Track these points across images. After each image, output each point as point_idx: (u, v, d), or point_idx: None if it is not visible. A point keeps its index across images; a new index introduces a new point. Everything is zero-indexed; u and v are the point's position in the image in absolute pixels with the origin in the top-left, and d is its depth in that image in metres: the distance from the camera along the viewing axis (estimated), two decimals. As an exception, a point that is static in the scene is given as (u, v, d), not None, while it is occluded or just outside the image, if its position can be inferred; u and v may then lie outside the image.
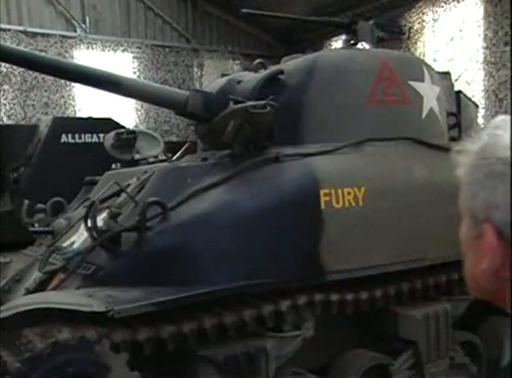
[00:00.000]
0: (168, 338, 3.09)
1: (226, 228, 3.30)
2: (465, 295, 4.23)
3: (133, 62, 14.76)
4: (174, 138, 13.95)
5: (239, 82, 4.28)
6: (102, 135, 7.23)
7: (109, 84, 3.85)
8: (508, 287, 0.87)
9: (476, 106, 6.02)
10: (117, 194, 3.83)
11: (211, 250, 3.27)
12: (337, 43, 13.62)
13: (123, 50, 14.66)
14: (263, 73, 4.25)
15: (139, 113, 14.57)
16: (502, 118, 0.94)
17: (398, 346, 4.03)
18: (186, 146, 6.30)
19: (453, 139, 4.85)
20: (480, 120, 8.00)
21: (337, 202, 3.54)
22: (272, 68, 4.31)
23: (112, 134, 5.22)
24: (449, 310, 4.10)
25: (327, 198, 3.51)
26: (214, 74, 14.89)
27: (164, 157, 5.46)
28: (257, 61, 4.57)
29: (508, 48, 8.52)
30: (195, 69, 15.45)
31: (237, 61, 16.08)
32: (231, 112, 3.41)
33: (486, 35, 9.42)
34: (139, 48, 14.80)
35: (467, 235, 0.95)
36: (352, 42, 4.70)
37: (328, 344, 3.93)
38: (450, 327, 4.11)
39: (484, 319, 4.52)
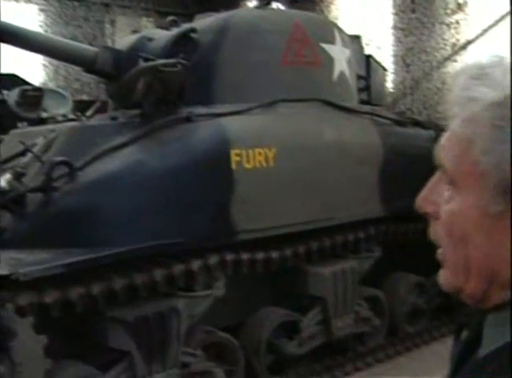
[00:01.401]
0: (76, 300, 3.04)
1: (136, 188, 3.26)
2: (370, 253, 4.41)
3: (39, 15, 14.04)
4: (85, 97, 13.48)
5: (150, 39, 4.18)
6: (5, 92, 6.88)
7: (9, 36, 3.65)
8: None
9: (385, 70, 6.17)
10: (22, 153, 3.68)
11: (121, 210, 3.22)
12: (251, 3, 13.53)
13: (26, 1, 13.90)
14: (175, 31, 4.17)
15: (48, 70, 13.95)
16: None
17: (307, 302, 4.16)
18: (96, 105, 6.12)
19: (363, 102, 4.97)
20: (389, 85, 8.21)
21: (248, 162, 3.56)
22: (185, 26, 4.23)
23: (16, 90, 4.98)
24: (356, 268, 4.26)
25: (238, 159, 3.52)
26: (127, 31, 14.44)
27: (73, 116, 5.28)
28: (170, 18, 4.46)
29: (414, 15, 8.74)
30: (107, 26, 14.90)
31: (150, 19, 15.63)
32: (141, 69, 3.33)
33: (395, 2, 9.63)
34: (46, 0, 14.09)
35: (477, 212, 0.68)
36: (266, 2, 4.67)
37: (239, 303, 4.00)
38: (357, 283, 4.27)
39: (387, 275, 4.72)
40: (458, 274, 0.72)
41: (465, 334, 0.80)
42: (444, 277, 0.75)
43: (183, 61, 3.48)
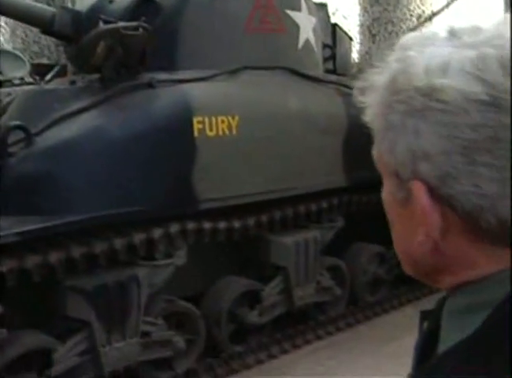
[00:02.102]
0: (33, 268, 2.97)
1: (95, 155, 3.18)
2: (333, 223, 4.42)
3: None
4: (45, 61, 13.11)
5: (111, 1, 4.04)
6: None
7: None
8: (451, 261, 0.64)
9: (351, 40, 6.13)
10: (-24, 117, 3.55)
11: (79, 177, 3.15)
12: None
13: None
14: (137, -7, 4.04)
15: (4, 31, 13.50)
16: (413, 35, 0.67)
17: (269, 272, 4.16)
18: (56, 69, 5.94)
19: (328, 71, 4.93)
20: (355, 55, 8.18)
21: (211, 130, 3.51)
22: (147, -11, 4.10)
23: (-31, 52, 4.79)
24: (318, 237, 4.26)
25: (200, 126, 3.47)
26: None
27: (31, 80, 5.11)
28: (132, -20, 4.31)
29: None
30: (67, -14, 14.46)
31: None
32: (101, 32, 3.22)
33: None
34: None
35: (392, 200, 0.67)
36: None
37: (200, 272, 3.98)
38: (319, 253, 4.29)
39: (349, 245, 4.75)
40: (401, 259, 0.71)
41: (426, 324, 0.76)
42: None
43: (145, 25, 3.37)
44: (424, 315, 0.77)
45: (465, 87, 0.59)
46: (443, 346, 0.66)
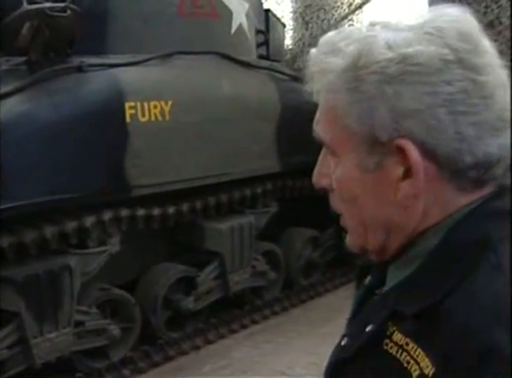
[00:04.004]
0: (-42, 259, 2.87)
1: (23, 141, 3.07)
2: (267, 208, 4.45)
3: None
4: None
5: (36, -19, 3.90)
6: None
7: None
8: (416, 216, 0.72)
9: (284, 26, 6.15)
10: None
11: (6, 163, 3.03)
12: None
13: None
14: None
15: None
16: (355, 27, 0.77)
17: (204, 258, 4.15)
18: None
19: (261, 57, 4.94)
20: (288, 41, 8.22)
21: (143, 116, 3.46)
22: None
23: None
24: (253, 223, 4.29)
25: (132, 111, 3.41)
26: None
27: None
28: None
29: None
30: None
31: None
32: (26, 12, 3.09)
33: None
34: None
35: (358, 172, 0.74)
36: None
37: (135, 259, 3.94)
38: (253, 238, 4.31)
39: (284, 230, 4.80)
40: (358, 234, 0.78)
41: (368, 279, 0.86)
42: (348, 240, 0.81)
43: (73, 6, 3.27)
44: (363, 270, 0.88)
45: (436, 51, 0.70)
46: (386, 288, 0.78)
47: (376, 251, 0.78)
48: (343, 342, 0.79)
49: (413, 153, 0.69)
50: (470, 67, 0.70)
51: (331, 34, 0.78)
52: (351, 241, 0.80)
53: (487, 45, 0.73)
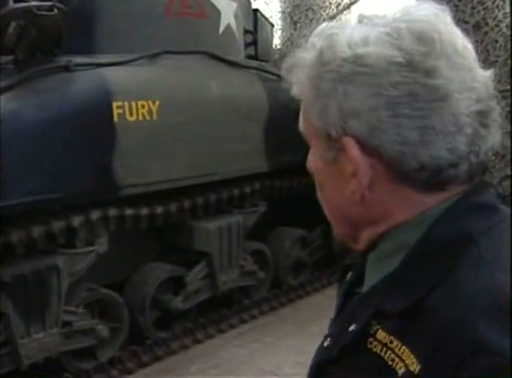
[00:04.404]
0: None
1: (10, 141, 3.05)
2: (255, 208, 4.45)
3: None
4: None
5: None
6: None
7: None
8: (375, 211, 0.74)
9: (272, 26, 6.15)
10: None
11: (-7, 163, 3.01)
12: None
13: None
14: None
15: None
16: (330, 23, 0.78)
17: (193, 257, 4.15)
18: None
19: (249, 57, 4.94)
20: (276, 41, 8.23)
21: (131, 115, 3.45)
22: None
23: None
24: (241, 222, 4.29)
25: (120, 111, 3.40)
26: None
27: None
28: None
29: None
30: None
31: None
32: (12, 11, 3.07)
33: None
34: None
35: (322, 163, 0.77)
36: None
37: (123, 259, 3.93)
38: (242, 238, 4.31)
39: (272, 229, 4.81)
40: (332, 222, 0.81)
41: (349, 275, 0.87)
42: (333, 230, 0.83)
43: (60, 6, 3.25)
44: (344, 269, 0.89)
45: (385, 53, 0.70)
46: (365, 287, 0.78)
47: (346, 240, 0.81)
48: (325, 343, 0.79)
49: (353, 150, 0.71)
50: (422, 70, 0.69)
51: (322, 25, 0.78)
52: (334, 230, 0.82)
53: (453, 47, 0.71)
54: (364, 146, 0.71)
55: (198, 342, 4.05)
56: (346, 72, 0.71)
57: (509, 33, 5.26)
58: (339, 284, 0.90)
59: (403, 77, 0.69)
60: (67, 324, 3.44)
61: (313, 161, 0.80)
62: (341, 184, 0.75)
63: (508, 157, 5.13)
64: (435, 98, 0.69)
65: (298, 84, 0.77)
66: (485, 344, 0.61)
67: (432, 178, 0.71)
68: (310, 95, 0.75)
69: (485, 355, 0.60)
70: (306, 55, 0.76)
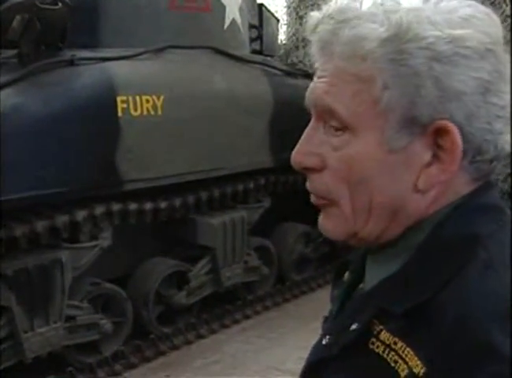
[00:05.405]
0: (-51, 253, 2.85)
1: (14, 135, 3.05)
2: (260, 203, 4.44)
3: None
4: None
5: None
6: None
7: None
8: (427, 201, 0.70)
9: (278, 21, 6.13)
10: None
11: (-3, 157, 3.01)
12: None
13: None
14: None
15: None
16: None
17: (197, 252, 4.14)
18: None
19: (255, 52, 4.93)
20: (282, 36, 8.21)
21: (135, 110, 3.44)
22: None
23: None
24: (245, 217, 4.28)
25: (124, 105, 3.39)
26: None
27: None
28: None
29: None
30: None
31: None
32: (16, 5, 3.06)
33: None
34: None
35: (380, 151, 0.68)
36: None
37: (127, 253, 3.93)
38: (246, 233, 4.30)
39: (276, 225, 4.80)
40: (357, 219, 0.72)
41: (348, 275, 0.84)
42: (332, 226, 0.74)
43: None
44: (340, 270, 0.86)
45: (481, 37, 0.68)
46: (367, 286, 0.75)
47: (368, 239, 0.73)
48: (324, 341, 0.77)
49: (458, 137, 0.67)
50: (501, 60, 0.69)
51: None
52: (335, 227, 0.74)
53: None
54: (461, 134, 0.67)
55: (201, 337, 4.05)
56: (446, 52, 0.66)
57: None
58: (332, 283, 0.88)
59: (493, 65, 0.68)
60: (71, 318, 3.44)
61: (354, 152, 0.69)
62: (407, 174, 0.68)
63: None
64: (505, 89, 0.69)
65: (364, 58, 0.68)
66: (498, 350, 0.59)
67: (491, 169, 0.71)
68: (389, 72, 0.67)
69: (497, 361, 0.59)
70: (373, 26, 0.67)
